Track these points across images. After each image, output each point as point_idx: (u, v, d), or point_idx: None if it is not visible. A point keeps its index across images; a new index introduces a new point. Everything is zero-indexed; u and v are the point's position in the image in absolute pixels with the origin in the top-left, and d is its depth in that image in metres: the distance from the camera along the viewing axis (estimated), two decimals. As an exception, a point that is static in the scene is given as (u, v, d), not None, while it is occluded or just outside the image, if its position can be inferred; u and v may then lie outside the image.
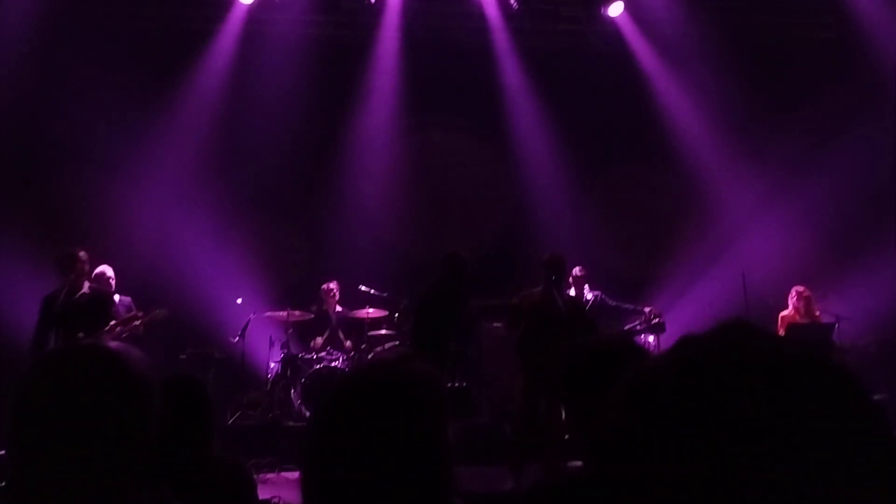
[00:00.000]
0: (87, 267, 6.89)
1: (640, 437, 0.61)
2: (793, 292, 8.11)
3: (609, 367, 1.74)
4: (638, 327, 8.28)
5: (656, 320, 8.10)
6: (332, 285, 9.05)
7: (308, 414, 8.07)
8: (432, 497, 1.14)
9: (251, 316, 8.66)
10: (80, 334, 6.59)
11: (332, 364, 8.39)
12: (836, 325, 7.87)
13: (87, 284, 6.91)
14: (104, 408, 1.29)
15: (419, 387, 1.17)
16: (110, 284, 7.51)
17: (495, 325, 8.76)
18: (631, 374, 0.66)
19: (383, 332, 8.82)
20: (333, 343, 8.82)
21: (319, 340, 8.84)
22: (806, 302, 8.03)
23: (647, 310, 8.31)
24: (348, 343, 8.77)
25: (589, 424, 1.77)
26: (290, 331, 8.72)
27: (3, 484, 1.41)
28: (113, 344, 1.39)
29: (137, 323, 7.18)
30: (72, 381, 1.29)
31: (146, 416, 1.34)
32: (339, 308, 9.05)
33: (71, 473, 1.27)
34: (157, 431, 1.37)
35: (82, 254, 6.82)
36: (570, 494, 1.67)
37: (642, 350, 1.90)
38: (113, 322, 6.98)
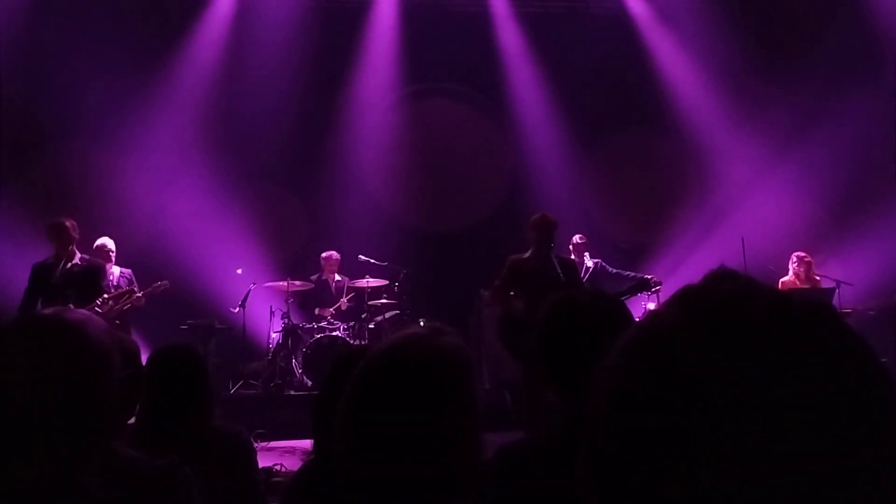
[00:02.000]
0: (76, 235, 6.78)
1: (646, 404, 0.58)
2: (793, 257, 8.11)
3: (590, 327, 1.71)
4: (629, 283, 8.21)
5: (656, 289, 8.07)
6: (332, 254, 9.06)
7: (310, 383, 8.12)
8: (467, 464, 1.17)
9: (251, 286, 8.68)
10: (71, 305, 6.60)
11: (333, 333, 8.42)
12: (836, 290, 7.86)
13: (78, 254, 6.79)
14: (58, 377, 1.26)
15: (455, 359, 1.20)
16: (111, 257, 7.51)
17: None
18: (631, 335, 0.63)
19: (383, 301, 8.83)
20: (336, 312, 8.81)
21: (327, 311, 8.80)
22: (806, 267, 8.03)
23: (647, 278, 8.26)
24: (344, 299, 8.74)
25: (564, 386, 1.75)
26: (291, 300, 8.74)
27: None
28: (72, 313, 1.37)
29: (139, 295, 7.18)
30: (24, 352, 1.28)
31: (102, 385, 1.31)
32: (338, 277, 9.06)
33: (30, 443, 1.26)
34: (118, 399, 1.34)
35: (70, 223, 6.72)
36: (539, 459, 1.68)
37: (627, 313, 1.85)
38: (105, 296, 6.96)
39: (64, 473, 1.26)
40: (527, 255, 6.24)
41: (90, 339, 1.30)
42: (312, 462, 1.80)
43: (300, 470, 1.85)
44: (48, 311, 1.36)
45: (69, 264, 6.69)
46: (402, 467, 1.13)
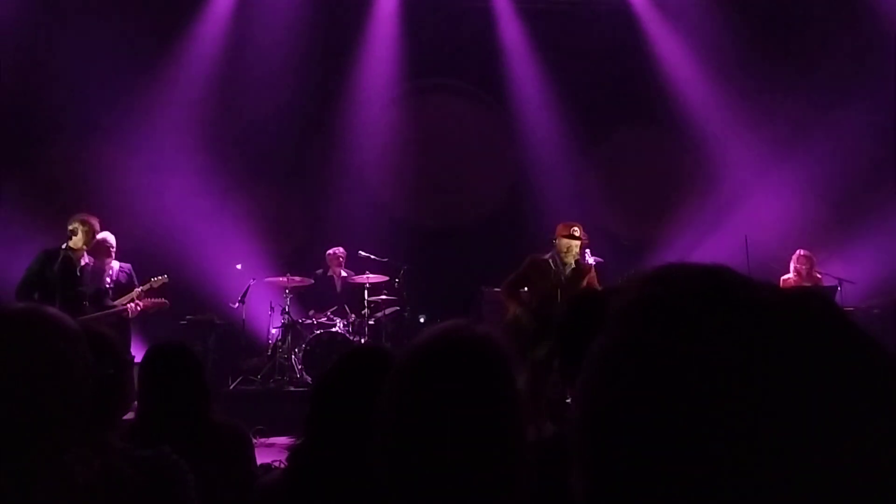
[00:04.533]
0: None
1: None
2: (795, 255, 8.07)
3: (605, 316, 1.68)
4: None
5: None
6: (339, 250, 9.03)
7: (310, 380, 8.08)
8: (520, 452, 1.16)
9: (251, 281, 8.64)
10: (86, 303, 6.85)
11: (333, 329, 8.38)
12: (839, 289, 7.83)
13: (87, 255, 7.05)
14: (13, 371, 1.23)
15: (498, 345, 1.19)
16: (111, 252, 7.52)
17: (496, 289, 8.72)
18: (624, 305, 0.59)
19: (383, 297, 8.80)
20: (337, 309, 8.75)
21: (320, 314, 8.74)
22: (808, 265, 7.99)
23: None
24: (352, 316, 8.69)
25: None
26: (290, 296, 8.70)
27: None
28: (36, 307, 1.32)
29: (138, 303, 7.26)
30: None
31: (60, 381, 1.27)
32: (343, 273, 9.04)
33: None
34: (85, 395, 1.31)
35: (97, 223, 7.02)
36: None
37: None
38: (136, 301, 7.13)
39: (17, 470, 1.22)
40: (548, 255, 6.33)
41: (47, 335, 1.26)
42: (304, 455, 1.76)
43: (290, 467, 1.81)
44: (19, 305, 1.32)
45: (82, 263, 6.92)
46: (460, 461, 1.11)
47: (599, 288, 6.66)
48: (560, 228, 6.45)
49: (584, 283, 6.39)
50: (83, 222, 6.87)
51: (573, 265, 6.36)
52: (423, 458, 1.11)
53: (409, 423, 1.13)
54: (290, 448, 1.87)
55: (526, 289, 6.27)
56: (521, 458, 1.16)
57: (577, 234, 6.37)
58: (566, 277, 6.27)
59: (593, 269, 6.94)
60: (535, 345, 5.82)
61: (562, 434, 1.78)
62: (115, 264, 7.56)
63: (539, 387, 5.91)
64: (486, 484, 1.12)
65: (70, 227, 6.83)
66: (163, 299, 7.49)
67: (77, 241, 6.82)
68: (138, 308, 7.25)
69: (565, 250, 6.34)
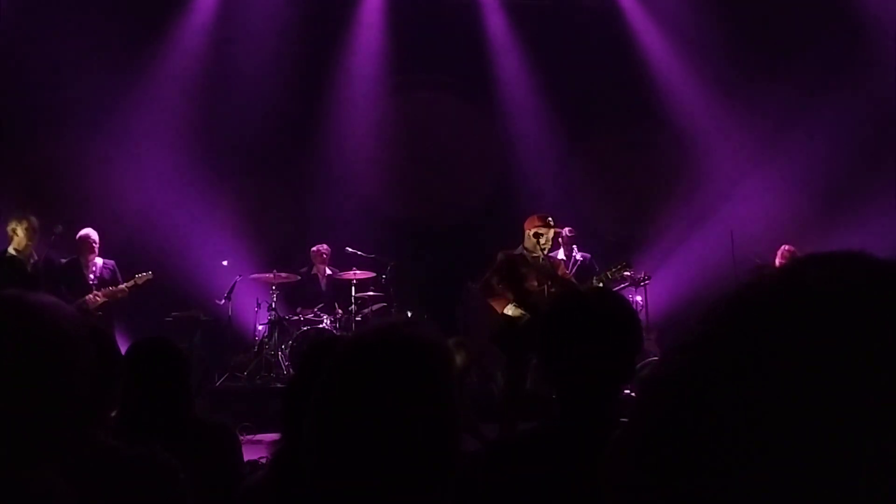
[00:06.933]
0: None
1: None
2: (780, 251, 8.11)
3: (594, 323, 1.70)
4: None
5: (645, 282, 8.06)
6: (323, 247, 9.01)
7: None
8: (443, 456, 1.15)
9: (237, 278, 8.61)
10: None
11: (320, 326, 8.37)
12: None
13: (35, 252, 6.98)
14: (19, 359, 1.15)
15: (429, 348, 1.18)
16: (94, 248, 7.48)
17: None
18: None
19: (370, 293, 8.79)
20: (324, 306, 8.74)
21: (307, 311, 8.71)
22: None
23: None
24: (340, 312, 8.67)
25: (563, 374, 1.73)
26: (277, 293, 8.68)
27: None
28: (36, 295, 1.24)
29: (97, 294, 7.20)
30: None
31: (68, 370, 1.20)
32: (328, 271, 9.01)
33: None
34: (88, 388, 1.24)
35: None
36: (530, 448, 1.70)
37: (632, 311, 1.84)
38: (94, 294, 7.03)
39: (22, 464, 1.17)
40: (517, 251, 6.25)
41: (56, 322, 1.19)
42: (282, 454, 1.77)
43: (270, 464, 1.82)
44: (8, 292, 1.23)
45: (32, 261, 6.85)
46: (374, 458, 1.11)
47: (574, 281, 6.69)
48: (532, 220, 6.27)
49: (559, 273, 6.38)
50: (19, 220, 6.75)
51: (543, 256, 6.28)
52: (344, 454, 1.12)
53: (334, 415, 1.14)
54: (271, 448, 1.88)
55: (502, 285, 6.15)
56: (448, 463, 1.16)
57: (552, 222, 6.22)
58: (543, 268, 6.22)
59: (562, 264, 6.94)
60: (524, 340, 5.82)
61: (540, 430, 1.80)
62: (99, 261, 7.53)
63: (517, 381, 5.92)
64: (406, 486, 1.11)
65: (9, 229, 6.75)
66: (148, 272, 7.48)
67: (19, 241, 6.74)
68: (97, 299, 7.20)
69: (540, 241, 6.16)
